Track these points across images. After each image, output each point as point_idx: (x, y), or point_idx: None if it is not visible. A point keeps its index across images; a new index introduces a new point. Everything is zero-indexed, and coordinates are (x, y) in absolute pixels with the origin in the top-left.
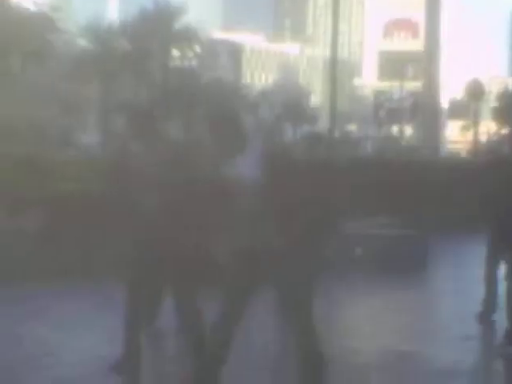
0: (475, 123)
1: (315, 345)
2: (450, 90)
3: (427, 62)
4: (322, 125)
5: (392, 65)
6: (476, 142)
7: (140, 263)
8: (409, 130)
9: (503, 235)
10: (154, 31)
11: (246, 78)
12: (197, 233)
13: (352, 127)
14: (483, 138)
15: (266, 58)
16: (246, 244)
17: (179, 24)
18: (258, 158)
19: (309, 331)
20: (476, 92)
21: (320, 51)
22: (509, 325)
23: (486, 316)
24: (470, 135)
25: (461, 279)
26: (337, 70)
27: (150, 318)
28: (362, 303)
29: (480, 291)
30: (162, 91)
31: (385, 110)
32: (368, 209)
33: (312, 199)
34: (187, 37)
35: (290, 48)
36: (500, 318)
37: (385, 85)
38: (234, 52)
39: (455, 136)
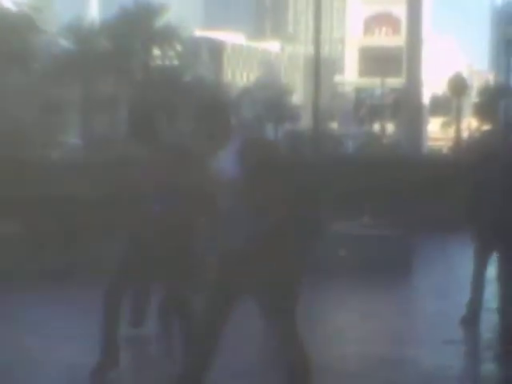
0: (457, 119)
1: (300, 351)
2: (431, 86)
3: (408, 57)
4: (304, 123)
5: (373, 61)
6: (458, 138)
7: (126, 264)
8: (390, 127)
9: (495, 234)
10: (135, 30)
11: (228, 77)
12: (187, 233)
13: (333, 125)
14: (465, 134)
15: (247, 57)
16: (228, 246)
17: (160, 23)
18: (238, 153)
19: (292, 338)
20: (459, 87)
21: (301, 49)
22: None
23: (470, 319)
24: (451, 132)
25: (445, 280)
26: (318, 68)
27: (135, 322)
28: (346, 306)
29: (464, 293)
30: (144, 90)
31: (366, 107)
32: (351, 208)
33: (294, 197)
34: (168, 36)
35: (272, 46)
36: (485, 321)
37: (366, 81)
38: (216, 50)
39: (436, 133)
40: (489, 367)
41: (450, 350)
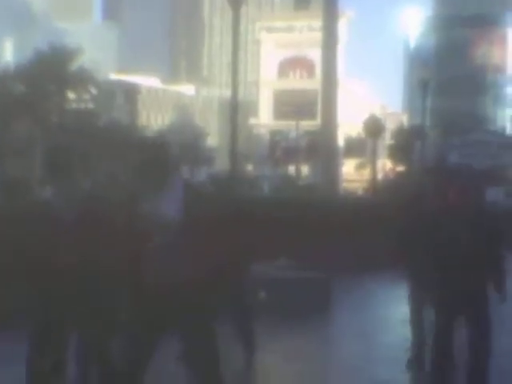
0: (372, 161)
1: None
2: (346, 128)
3: (323, 100)
4: (219, 166)
5: (288, 104)
6: (373, 179)
7: (47, 311)
8: (305, 170)
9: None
10: (50, 74)
11: (143, 119)
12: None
13: (249, 167)
14: (379, 175)
15: (162, 99)
16: (156, 283)
17: (75, 66)
18: (178, 198)
19: (215, 378)
20: (374, 129)
21: (215, 92)
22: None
23: (415, 362)
24: (365, 173)
25: (365, 321)
26: (236, 111)
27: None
28: (267, 349)
29: (385, 333)
30: (59, 133)
31: (281, 149)
32: (269, 250)
33: (227, 241)
34: (83, 79)
35: (186, 89)
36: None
37: (281, 124)
38: (130, 93)
39: (351, 174)
40: None
41: None
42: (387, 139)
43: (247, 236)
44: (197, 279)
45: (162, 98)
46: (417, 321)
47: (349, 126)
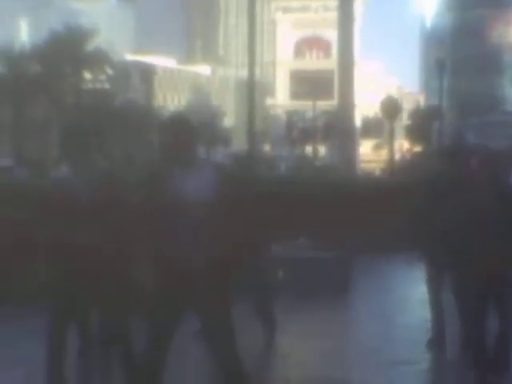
0: (389, 141)
1: (240, 375)
2: (363, 109)
3: (340, 80)
4: (235, 146)
5: (304, 84)
6: (391, 160)
7: (66, 290)
8: (322, 150)
9: (449, 253)
10: (66, 54)
11: (159, 100)
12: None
13: (266, 147)
14: (397, 156)
15: (178, 80)
16: (174, 266)
17: (91, 47)
18: (207, 179)
19: (232, 359)
20: (391, 110)
21: (232, 72)
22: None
23: (435, 343)
24: (382, 154)
25: (384, 302)
26: (252, 91)
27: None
28: (286, 329)
29: (403, 314)
30: (75, 113)
31: (298, 129)
32: (288, 231)
33: (249, 222)
34: (99, 59)
35: (202, 69)
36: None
37: (297, 104)
38: (147, 74)
39: (368, 155)
40: None
41: (391, 372)
42: (404, 120)
43: (267, 216)
44: (215, 259)
45: (177, 78)
46: (435, 301)
47: (366, 106)
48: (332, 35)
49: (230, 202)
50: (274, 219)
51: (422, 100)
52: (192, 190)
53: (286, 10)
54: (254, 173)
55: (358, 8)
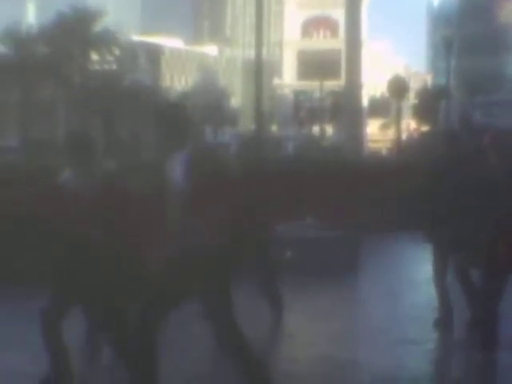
0: (397, 121)
1: (251, 356)
2: (370, 88)
3: (347, 60)
4: (242, 126)
5: (311, 64)
6: (398, 139)
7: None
8: (330, 130)
9: (455, 234)
10: (73, 35)
11: (166, 81)
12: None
13: (273, 127)
14: (404, 135)
15: (185, 60)
16: (176, 251)
17: (97, 27)
18: (186, 164)
19: (237, 339)
20: (398, 89)
21: (239, 52)
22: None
23: (442, 322)
24: (389, 133)
25: (392, 281)
26: (260, 71)
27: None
28: (294, 309)
29: (412, 293)
30: (82, 94)
31: (305, 109)
32: (295, 210)
33: (242, 204)
34: (106, 40)
35: (209, 49)
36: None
37: (304, 84)
38: (154, 55)
39: (375, 134)
40: (440, 367)
41: (399, 351)
42: (411, 99)
43: (273, 195)
44: (209, 243)
45: (185, 58)
46: (440, 280)
47: (373, 85)
48: (339, 15)
49: (201, 187)
50: (281, 199)
51: (429, 79)
52: (173, 178)
53: None
54: (260, 153)
55: None
